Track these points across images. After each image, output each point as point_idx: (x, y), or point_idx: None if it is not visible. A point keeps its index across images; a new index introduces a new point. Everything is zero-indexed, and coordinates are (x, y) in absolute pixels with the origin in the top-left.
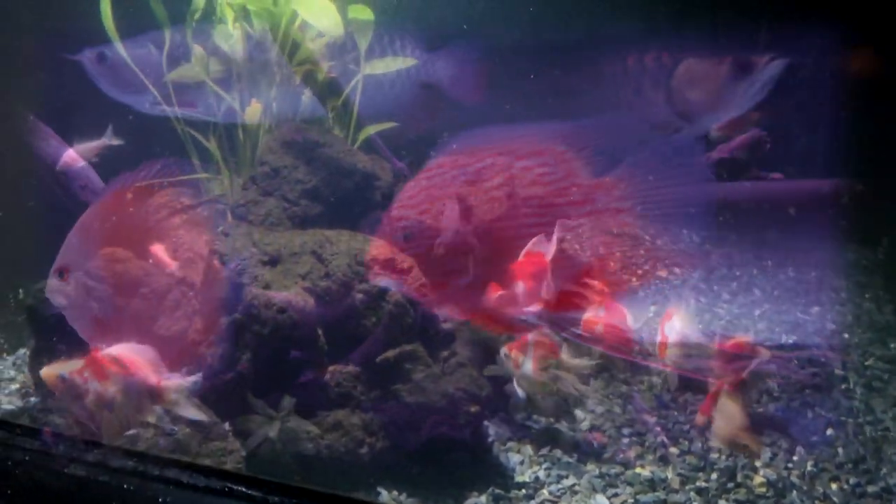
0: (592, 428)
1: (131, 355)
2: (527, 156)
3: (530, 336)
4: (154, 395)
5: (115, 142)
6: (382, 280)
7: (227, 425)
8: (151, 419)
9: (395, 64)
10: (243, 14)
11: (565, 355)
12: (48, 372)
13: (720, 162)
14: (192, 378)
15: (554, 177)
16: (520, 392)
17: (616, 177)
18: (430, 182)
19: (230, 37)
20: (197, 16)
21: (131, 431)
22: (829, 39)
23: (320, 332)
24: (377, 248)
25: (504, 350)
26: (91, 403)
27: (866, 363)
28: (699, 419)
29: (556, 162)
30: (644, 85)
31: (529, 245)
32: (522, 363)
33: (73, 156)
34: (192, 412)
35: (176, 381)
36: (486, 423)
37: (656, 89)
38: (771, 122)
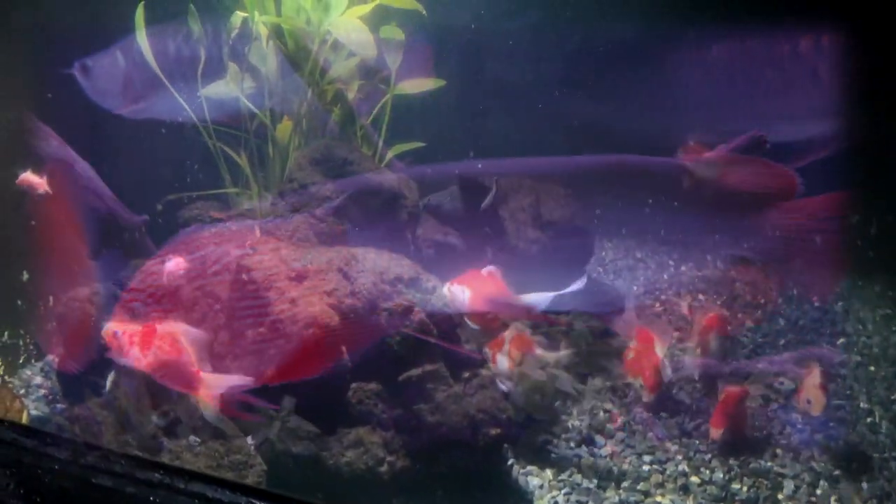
0: (613, 454)
1: (183, 338)
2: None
3: (507, 333)
4: (191, 382)
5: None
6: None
7: (249, 439)
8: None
9: (424, 84)
10: (277, 33)
11: (540, 350)
12: (109, 327)
13: None
14: (236, 378)
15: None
16: (502, 387)
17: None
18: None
19: (264, 54)
20: (234, 34)
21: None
22: None
23: (344, 348)
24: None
25: (485, 349)
26: (126, 368)
27: (893, 397)
28: (713, 433)
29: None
30: None
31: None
32: (499, 360)
33: (73, 156)
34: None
35: (215, 376)
36: (506, 445)
37: None
38: None
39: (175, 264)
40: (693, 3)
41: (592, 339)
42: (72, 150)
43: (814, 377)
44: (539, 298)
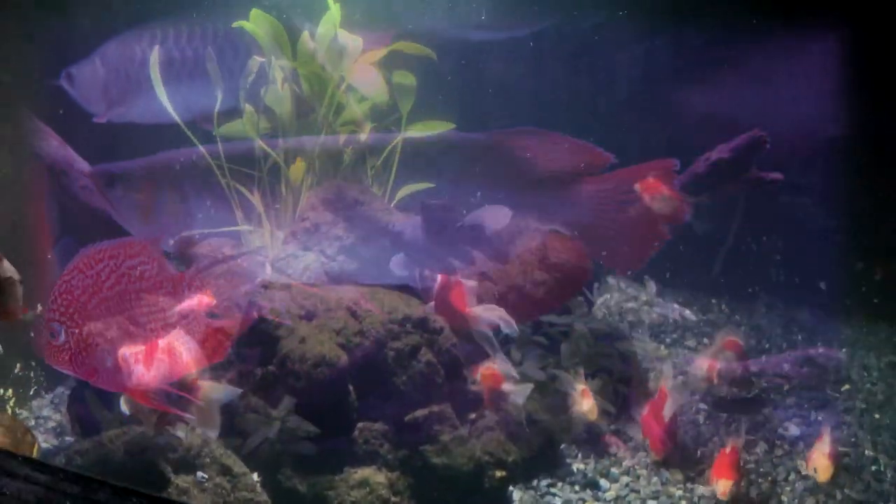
0: (618, 498)
1: (179, 347)
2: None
3: (480, 367)
4: (188, 387)
5: None
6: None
7: (255, 475)
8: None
9: (434, 127)
10: (293, 76)
11: (508, 385)
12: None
13: (718, 162)
14: (229, 387)
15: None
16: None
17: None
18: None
19: (280, 97)
20: (251, 78)
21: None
22: None
23: (351, 388)
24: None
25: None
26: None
27: None
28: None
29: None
30: None
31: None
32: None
33: (73, 156)
34: (212, 419)
35: (212, 383)
36: (511, 488)
37: None
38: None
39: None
40: None
41: (593, 341)
42: (71, 150)
43: (823, 445)
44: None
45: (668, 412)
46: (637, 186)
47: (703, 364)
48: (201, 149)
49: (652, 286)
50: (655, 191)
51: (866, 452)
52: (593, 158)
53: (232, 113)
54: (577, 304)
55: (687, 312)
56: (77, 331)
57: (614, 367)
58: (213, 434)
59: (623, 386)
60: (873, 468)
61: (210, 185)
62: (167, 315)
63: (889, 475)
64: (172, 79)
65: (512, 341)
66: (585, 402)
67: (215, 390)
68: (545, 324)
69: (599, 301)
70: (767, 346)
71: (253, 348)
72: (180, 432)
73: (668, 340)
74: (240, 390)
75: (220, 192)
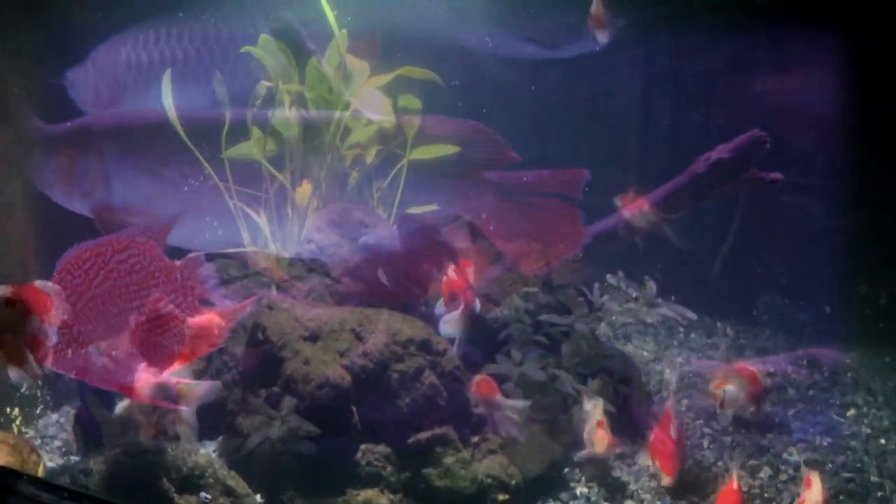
0: None
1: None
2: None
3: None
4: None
5: None
6: None
7: (258, 496)
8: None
9: (439, 150)
10: (300, 100)
11: (500, 398)
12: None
13: (719, 162)
14: (207, 383)
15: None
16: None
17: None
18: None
19: (287, 120)
20: (259, 102)
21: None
22: None
23: (355, 409)
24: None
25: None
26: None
27: None
28: None
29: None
30: None
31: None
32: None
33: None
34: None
35: (190, 382)
36: None
37: None
38: None
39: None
40: None
41: (594, 341)
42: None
43: (814, 491)
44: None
45: (674, 433)
46: (617, 201)
47: (714, 388)
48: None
49: (652, 286)
50: (635, 206)
51: (872, 478)
52: (499, 153)
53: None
54: (577, 305)
55: (689, 313)
56: (68, 331)
57: (615, 368)
58: (192, 434)
59: (624, 386)
60: (879, 494)
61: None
62: (161, 305)
63: (895, 501)
64: (158, 79)
65: (512, 341)
66: (599, 441)
67: (195, 388)
68: (546, 324)
69: (599, 301)
70: (772, 369)
71: (257, 369)
72: (183, 439)
73: (674, 343)
74: (219, 383)
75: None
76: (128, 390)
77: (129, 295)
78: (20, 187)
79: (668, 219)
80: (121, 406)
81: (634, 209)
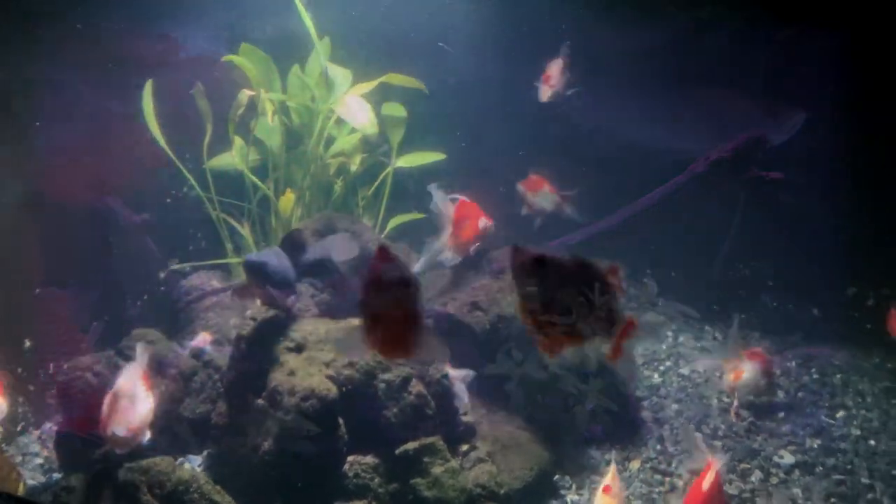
0: None
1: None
2: None
3: None
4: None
5: None
6: None
7: None
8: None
9: (425, 158)
10: (283, 108)
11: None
12: None
13: (718, 162)
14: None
15: None
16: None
17: None
18: None
19: (269, 129)
20: (241, 111)
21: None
22: None
23: (341, 420)
24: None
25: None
26: None
27: (894, 472)
28: None
29: None
30: None
31: None
32: None
33: None
34: None
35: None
36: None
37: None
38: None
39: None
40: None
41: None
42: None
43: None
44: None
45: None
46: (519, 186)
47: (729, 376)
48: None
49: (653, 286)
50: (536, 187)
51: (862, 480)
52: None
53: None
54: (577, 304)
55: (690, 311)
56: None
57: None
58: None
59: (624, 386)
60: (869, 496)
61: None
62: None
63: (885, 503)
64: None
65: (512, 339)
66: None
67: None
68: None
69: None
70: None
71: (243, 382)
72: None
73: (662, 347)
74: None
75: None
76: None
77: None
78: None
79: (567, 197)
80: None
81: (535, 190)
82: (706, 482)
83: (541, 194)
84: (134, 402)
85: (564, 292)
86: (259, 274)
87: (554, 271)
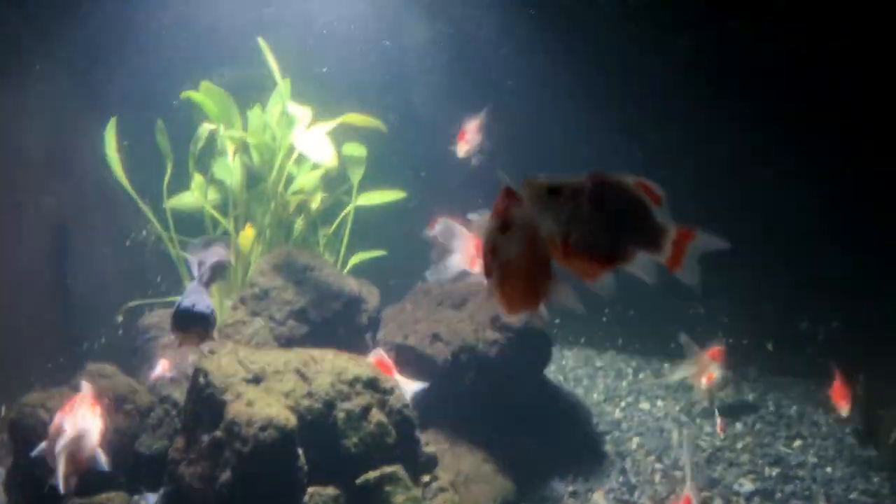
0: None
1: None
2: None
3: None
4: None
5: None
6: None
7: None
8: None
9: (385, 196)
10: (243, 147)
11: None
12: None
13: None
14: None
15: None
16: None
17: None
18: None
19: (230, 168)
20: (200, 145)
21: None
22: None
23: (300, 451)
24: None
25: None
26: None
27: (851, 497)
28: None
29: None
30: None
31: None
32: None
33: None
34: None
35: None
36: None
37: None
38: None
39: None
40: None
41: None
42: None
43: None
44: None
45: None
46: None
47: (701, 381)
48: None
49: None
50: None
51: None
52: None
53: (301, 245)
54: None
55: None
56: None
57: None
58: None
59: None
60: None
61: None
62: None
63: None
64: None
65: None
66: None
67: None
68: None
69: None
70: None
71: (200, 414)
72: None
73: (622, 384)
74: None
75: None
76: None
77: None
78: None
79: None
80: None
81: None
82: None
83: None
84: (80, 428)
85: (591, 215)
86: (202, 319)
87: (575, 195)
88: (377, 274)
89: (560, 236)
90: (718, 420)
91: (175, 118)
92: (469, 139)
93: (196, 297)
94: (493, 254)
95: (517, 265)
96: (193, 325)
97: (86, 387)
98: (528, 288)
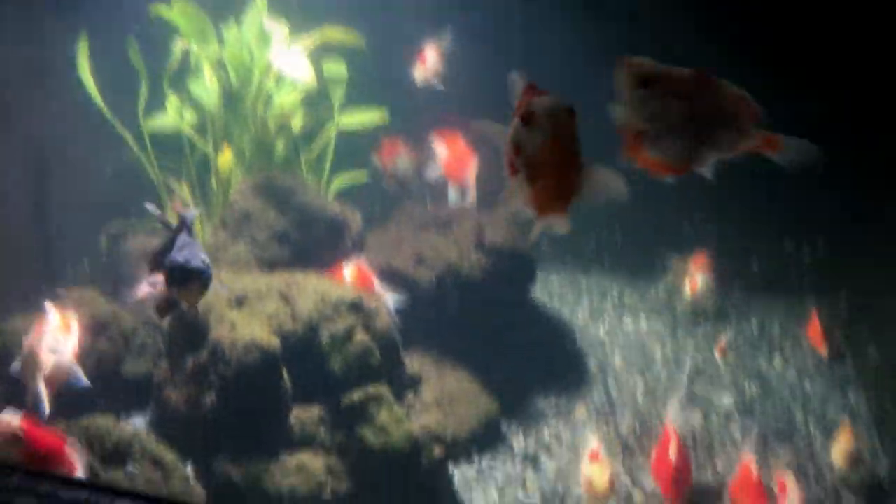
0: (559, 471)
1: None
2: None
3: None
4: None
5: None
6: None
7: (189, 468)
8: None
9: (367, 116)
10: (219, 65)
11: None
12: None
13: None
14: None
15: None
16: None
17: None
18: None
19: (206, 87)
20: (175, 64)
21: None
22: None
23: (285, 372)
24: None
25: None
26: None
27: (826, 411)
28: None
29: None
30: None
31: None
32: None
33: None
34: None
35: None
36: (450, 465)
37: None
38: None
39: None
40: None
41: None
42: None
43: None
44: None
45: (674, 453)
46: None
47: (686, 290)
48: None
49: None
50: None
51: (797, 418)
52: None
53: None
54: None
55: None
56: None
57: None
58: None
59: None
60: (803, 432)
61: None
62: None
63: (818, 437)
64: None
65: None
66: (595, 477)
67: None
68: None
69: None
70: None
71: (184, 338)
72: None
73: (607, 304)
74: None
75: None
76: None
77: None
78: None
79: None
80: None
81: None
82: (672, 450)
83: (399, 159)
84: (51, 346)
85: (679, 117)
86: (199, 275)
87: (671, 89)
88: (360, 201)
89: (635, 130)
90: (722, 340)
91: (147, 35)
92: (428, 63)
93: (188, 251)
94: (517, 150)
95: (543, 158)
96: (190, 281)
97: (49, 307)
98: (559, 182)
